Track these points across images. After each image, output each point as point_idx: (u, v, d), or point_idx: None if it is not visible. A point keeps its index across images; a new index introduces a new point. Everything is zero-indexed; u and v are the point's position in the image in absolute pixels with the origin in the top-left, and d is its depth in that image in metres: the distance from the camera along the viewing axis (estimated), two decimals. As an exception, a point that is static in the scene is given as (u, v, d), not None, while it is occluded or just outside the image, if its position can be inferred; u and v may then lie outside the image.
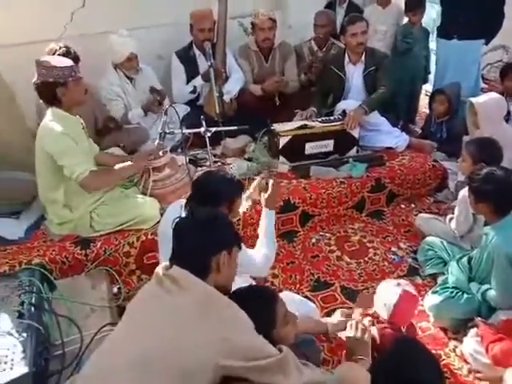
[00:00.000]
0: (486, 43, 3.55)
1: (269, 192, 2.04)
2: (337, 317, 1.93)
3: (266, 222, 2.01)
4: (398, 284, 2.07)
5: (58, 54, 2.69)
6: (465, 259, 2.22)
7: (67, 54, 2.73)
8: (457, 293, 2.10)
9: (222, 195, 1.78)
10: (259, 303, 1.41)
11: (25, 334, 1.58)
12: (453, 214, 2.54)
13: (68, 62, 2.24)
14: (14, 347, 1.54)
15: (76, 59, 2.76)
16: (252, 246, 2.01)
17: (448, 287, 2.14)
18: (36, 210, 2.62)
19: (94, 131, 3.03)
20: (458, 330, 2.08)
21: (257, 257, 1.91)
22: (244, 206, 2.24)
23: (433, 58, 3.78)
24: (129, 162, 2.43)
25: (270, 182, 2.07)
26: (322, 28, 3.59)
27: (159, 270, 1.31)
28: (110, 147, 2.94)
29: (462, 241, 2.44)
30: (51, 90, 2.16)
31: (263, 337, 1.27)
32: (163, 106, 3.24)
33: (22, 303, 1.71)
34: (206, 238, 1.31)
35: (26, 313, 1.66)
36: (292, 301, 1.98)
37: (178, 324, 1.17)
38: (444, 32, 3.56)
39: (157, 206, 2.52)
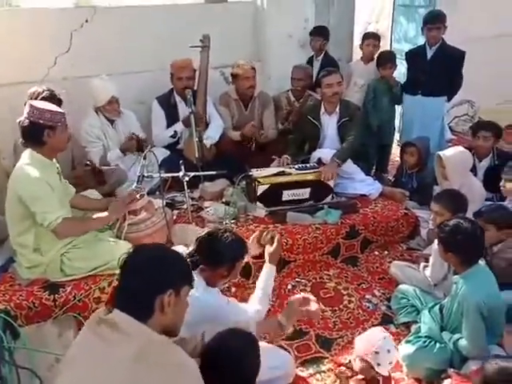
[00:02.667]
0: (448, 100, 3.78)
1: (274, 246, 2.06)
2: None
3: (266, 277, 2.02)
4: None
5: (42, 97, 2.71)
6: (436, 308, 2.26)
7: (51, 97, 2.75)
8: (429, 342, 2.11)
9: (224, 258, 1.79)
10: (251, 358, 1.46)
11: (-19, 388, 1.50)
12: (425, 261, 2.60)
13: (59, 109, 2.29)
14: (-31, 402, 1.46)
15: (59, 102, 2.80)
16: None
17: (421, 336, 2.15)
18: (5, 251, 2.55)
19: (70, 172, 3.03)
20: (432, 380, 2.07)
21: (249, 311, 1.91)
22: None
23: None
24: (104, 213, 2.42)
25: (276, 236, 2.10)
26: (299, 81, 3.76)
27: (97, 314, 1.23)
28: (86, 189, 2.93)
29: (435, 289, 2.47)
30: (38, 132, 2.17)
31: None
32: (144, 149, 3.27)
33: (-18, 353, 1.63)
34: (148, 276, 1.22)
35: (-15, 364, 1.59)
36: (264, 352, 1.95)
37: (115, 376, 1.09)
38: (409, 88, 3.80)
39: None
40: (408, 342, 2.16)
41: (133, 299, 1.20)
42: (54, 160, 2.37)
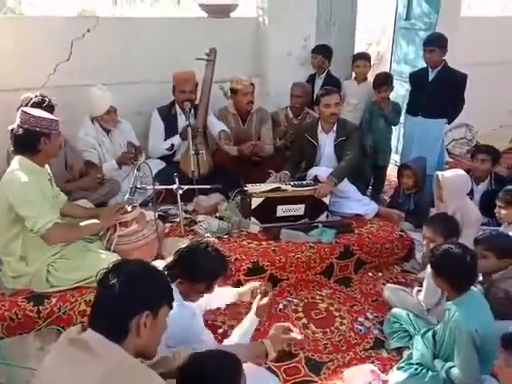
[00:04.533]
0: (449, 122, 3.78)
1: (265, 301, 2.00)
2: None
3: (247, 327, 1.93)
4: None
5: (34, 102, 2.70)
6: (429, 334, 2.20)
7: (42, 102, 2.74)
8: (421, 369, 2.04)
9: (204, 274, 1.74)
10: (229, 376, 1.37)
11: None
12: (419, 285, 2.56)
13: (52, 116, 2.28)
14: None
15: (51, 108, 2.78)
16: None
17: (413, 363, 2.09)
18: (-10, 260, 2.49)
19: (64, 180, 2.99)
20: (424, 409, 2.01)
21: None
22: (228, 299, 2.20)
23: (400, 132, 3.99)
24: (95, 220, 2.39)
25: (270, 293, 2.06)
26: (298, 98, 3.78)
27: (70, 331, 1.18)
28: (78, 199, 2.89)
29: (428, 314, 2.42)
30: (34, 139, 2.15)
31: None
32: (138, 160, 3.25)
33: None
34: (125, 295, 1.17)
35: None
36: (250, 373, 1.89)
37: None
38: (410, 109, 3.81)
39: (119, 263, 2.43)
40: (399, 368, 2.10)
41: (107, 319, 1.15)
42: (46, 166, 2.34)
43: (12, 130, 2.17)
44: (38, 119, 2.15)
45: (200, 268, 1.73)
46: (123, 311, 1.17)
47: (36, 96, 2.78)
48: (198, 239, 2.44)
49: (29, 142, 2.16)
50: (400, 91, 4.41)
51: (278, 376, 2.14)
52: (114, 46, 3.66)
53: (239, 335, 1.90)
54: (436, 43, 3.50)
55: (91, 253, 2.44)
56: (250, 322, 1.94)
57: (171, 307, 1.31)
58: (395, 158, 4.43)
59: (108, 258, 2.40)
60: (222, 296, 2.16)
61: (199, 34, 3.89)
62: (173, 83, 3.52)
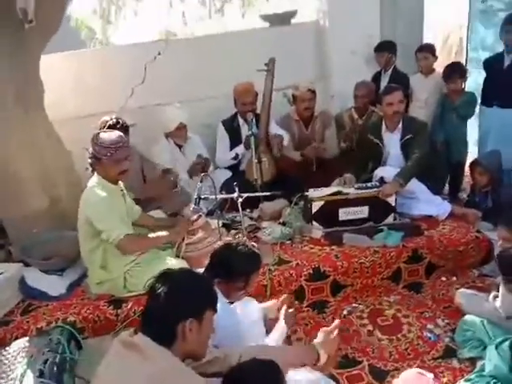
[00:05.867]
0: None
1: (292, 310, 2.06)
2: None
3: (276, 338, 1.95)
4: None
5: (109, 125, 2.99)
6: (506, 344, 2.02)
7: (116, 124, 3.03)
8: (494, 383, 1.90)
9: (236, 271, 1.82)
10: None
11: (42, 394, 1.67)
12: (497, 290, 2.36)
13: (109, 143, 2.36)
14: (31, 406, 1.64)
15: (125, 129, 3.06)
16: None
17: (485, 376, 1.95)
18: (79, 267, 2.82)
19: (143, 193, 3.23)
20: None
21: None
22: (255, 315, 2.16)
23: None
24: (165, 233, 2.58)
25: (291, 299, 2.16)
26: (362, 98, 3.70)
27: (123, 335, 1.30)
28: (153, 209, 3.14)
29: (509, 322, 2.23)
30: (91, 161, 2.45)
31: None
32: (208, 171, 3.44)
33: (46, 361, 1.81)
34: (169, 303, 1.27)
35: (47, 372, 1.76)
36: (309, 380, 1.91)
37: None
38: (485, 99, 3.52)
39: (186, 270, 2.60)
40: (468, 381, 1.97)
41: (155, 325, 1.27)
42: (120, 183, 2.59)
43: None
44: (93, 144, 2.40)
45: (233, 265, 1.82)
46: (168, 318, 1.27)
47: (111, 119, 3.08)
48: (231, 239, 2.54)
49: (90, 161, 2.45)
50: (479, 80, 4.07)
51: (339, 382, 2.12)
52: (182, 65, 3.92)
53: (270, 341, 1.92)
54: None
55: (161, 260, 2.64)
56: (280, 331, 1.96)
57: (215, 311, 1.39)
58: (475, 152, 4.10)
59: (177, 265, 2.59)
60: (250, 313, 2.10)
61: (261, 44, 3.99)
62: (234, 96, 3.66)
